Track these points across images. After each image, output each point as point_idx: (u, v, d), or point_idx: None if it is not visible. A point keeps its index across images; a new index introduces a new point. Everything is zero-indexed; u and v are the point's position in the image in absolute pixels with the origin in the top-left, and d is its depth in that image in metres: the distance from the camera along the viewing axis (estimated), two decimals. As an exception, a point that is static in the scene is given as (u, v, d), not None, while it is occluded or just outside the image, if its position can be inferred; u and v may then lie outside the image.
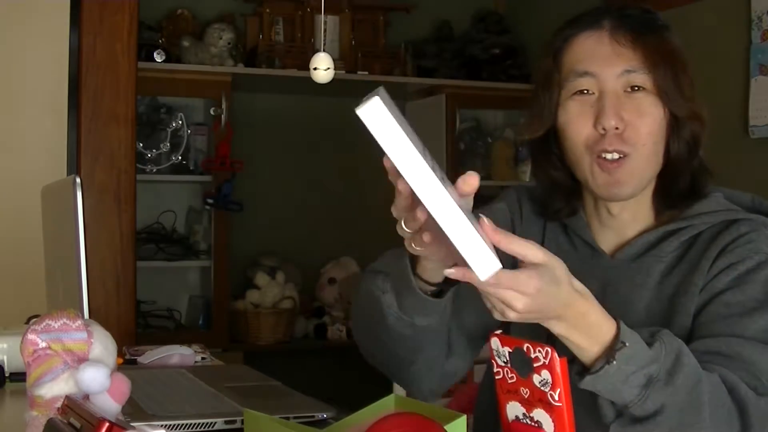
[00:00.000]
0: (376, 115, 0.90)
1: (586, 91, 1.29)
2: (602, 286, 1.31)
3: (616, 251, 1.35)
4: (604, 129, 1.26)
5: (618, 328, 1.07)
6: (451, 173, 3.56)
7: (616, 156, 1.27)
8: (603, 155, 1.27)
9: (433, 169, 0.93)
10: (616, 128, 1.26)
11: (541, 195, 1.41)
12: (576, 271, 1.34)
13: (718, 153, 3.65)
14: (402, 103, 4.47)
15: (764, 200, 1.38)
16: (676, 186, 1.32)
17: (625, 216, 1.34)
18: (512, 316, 1.00)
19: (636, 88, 1.27)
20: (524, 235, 1.41)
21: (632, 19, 1.30)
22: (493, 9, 4.59)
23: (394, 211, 1.06)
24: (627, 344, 1.06)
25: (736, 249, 1.26)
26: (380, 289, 1.26)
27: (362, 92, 3.86)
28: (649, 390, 1.07)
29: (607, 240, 1.36)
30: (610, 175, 1.27)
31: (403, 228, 1.06)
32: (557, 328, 1.06)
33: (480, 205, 1.42)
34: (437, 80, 4.23)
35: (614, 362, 1.05)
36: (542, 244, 1.39)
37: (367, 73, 4.07)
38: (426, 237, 1.04)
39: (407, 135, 0.91)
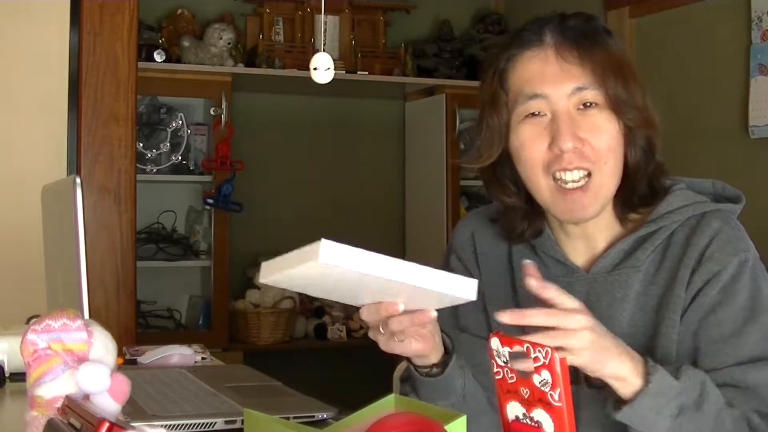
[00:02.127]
0: (335, 252, 0.99)
1: (538, 113, 1.26)
2: (583, 301, 1.31)
3: (591, 265, 1.33)
4: (561, 150, 1.24)
5: (645, 361, 1.11)
6: (451, 173, 3.59)
7: (577, 177, 1.25)
8: (562, 178, 1.25)
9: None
10: (574, 148, 1.24)
11: (502, 219, 1.38)
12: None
13: (718, 153, 3.65)
14: (402, 103, 4.47)
15: (726, 184, 1.36)
16: (636, 192, 1.30)
17: (590, 227, 1.32)
18: (584, 355, 1.06)
19: (588, 105, 1.25)
20: (487, 268, 1.42)
21: (575, 31, 1.26)
22: (493, 9, 4.60)
23: (370, 321, 1.15)
24: (655, 376, 1.09)
25: (714, 254, 1.25)
26: (405, 392, 1.32)
27: (362, 92, 3.88)
28: (681, 418, 1.10)
29: (578, 253, 1.34)
30: (573, 203, 1.26)
31: (380, 332, 1.16)
32: (623, 368, 1.09)
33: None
34: (437, 80, 4.23)
35: (648, 389, 1.09)
36: (510, 268, 1.39)
37: (367, 73, 4.07)
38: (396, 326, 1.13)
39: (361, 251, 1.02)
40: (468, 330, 1.41)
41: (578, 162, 1.24)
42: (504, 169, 1.33)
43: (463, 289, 1.05)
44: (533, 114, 1.26)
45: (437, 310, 1.46)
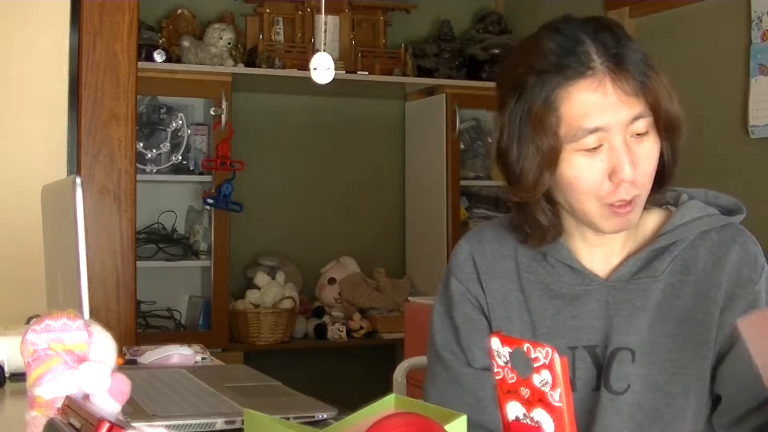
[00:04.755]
0: None
1: (595, 147, 1.23)
2: (604, 308, 1.31)
3: (607, 271, 1.33)
4: (621, 180, 1.23)
5: None
6: (451, 173, 3.61)
7: (628, 200, 1.25)
8: (614, 203, 1.25)
9: None
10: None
11: (517, 227, 1.35)
12: (571, 298, 1.33)
13: (718, 153, 3.66)
14: (402, 103, 4.47)
15: (718, 193, 1.37)
16: (657, 189, 1.31)
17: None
18: None
19: (641, 134, 1.24)
20: (491, 288, 1.37)
21: (622, 55, 1.23)
22: (493, 9, 4.60)
23: None
24: None
25: (751, 276, 1.28)
26: None
27: (362, 92, 3.91)
28: None
29: (594, 259, 1.34)
30: (623, 217, 1.26)
31: None
32: None
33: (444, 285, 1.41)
34: (437, 80, 4.23)
35: None
36: (519, 281, 1.36)
37: (367, 73, 4.08)
38: None
39: None
40: (475, 364, 1.37)
41: (633, 191, 1.24)
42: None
43: None
44: (594, 148, 1.23)
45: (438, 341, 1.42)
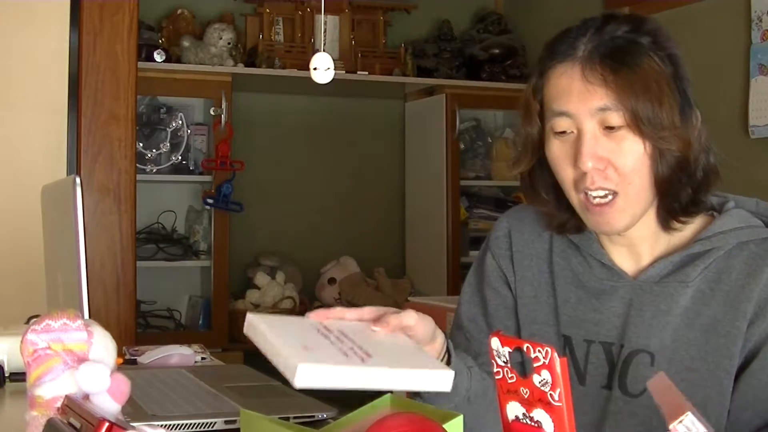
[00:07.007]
0: (310, 377, 0.93)
1: (565, 131, 1.25)
2: (626, 307, 1.29)
3: (636, 271, 1.31)
4: (581, 171, 1.23)
5: None
6: (451, 173, 3.60)
7: (602, 193, 1.23)
8: (589, 194, 1.24)
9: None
10: (596, 168, 1.22)
11: (545, 210, 1.37)
12: (597, 292, 1.32)
13: (718, 153, 3.62)
14: (402, 103, 4.47)
15: None
16: (677, 203, 1.27)
17: (632, 235, 1.30)
18: None
19: (613, 127, 1.22)
20: (522, 266, 1.40)
21: (607, 46, 1.22)
22: (493, 9, 4.60)
23: None
24: None
25: None
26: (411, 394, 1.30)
27: (362, 92, 3.88)
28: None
29: (623, 257, 1.33)
30: (600, 216, 1.24)
31: None
32: None
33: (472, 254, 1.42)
34: (437, 80, 4.23)
35: None
36: (549, 269, 1.38)
37: (367, 73, 4.08)
38: None
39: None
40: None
41: (601, 183, 1.23)
42: (543, 175, 1.32)
43: (438, 383, 1.02)
44: (562, 132, 1.25)
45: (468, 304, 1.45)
